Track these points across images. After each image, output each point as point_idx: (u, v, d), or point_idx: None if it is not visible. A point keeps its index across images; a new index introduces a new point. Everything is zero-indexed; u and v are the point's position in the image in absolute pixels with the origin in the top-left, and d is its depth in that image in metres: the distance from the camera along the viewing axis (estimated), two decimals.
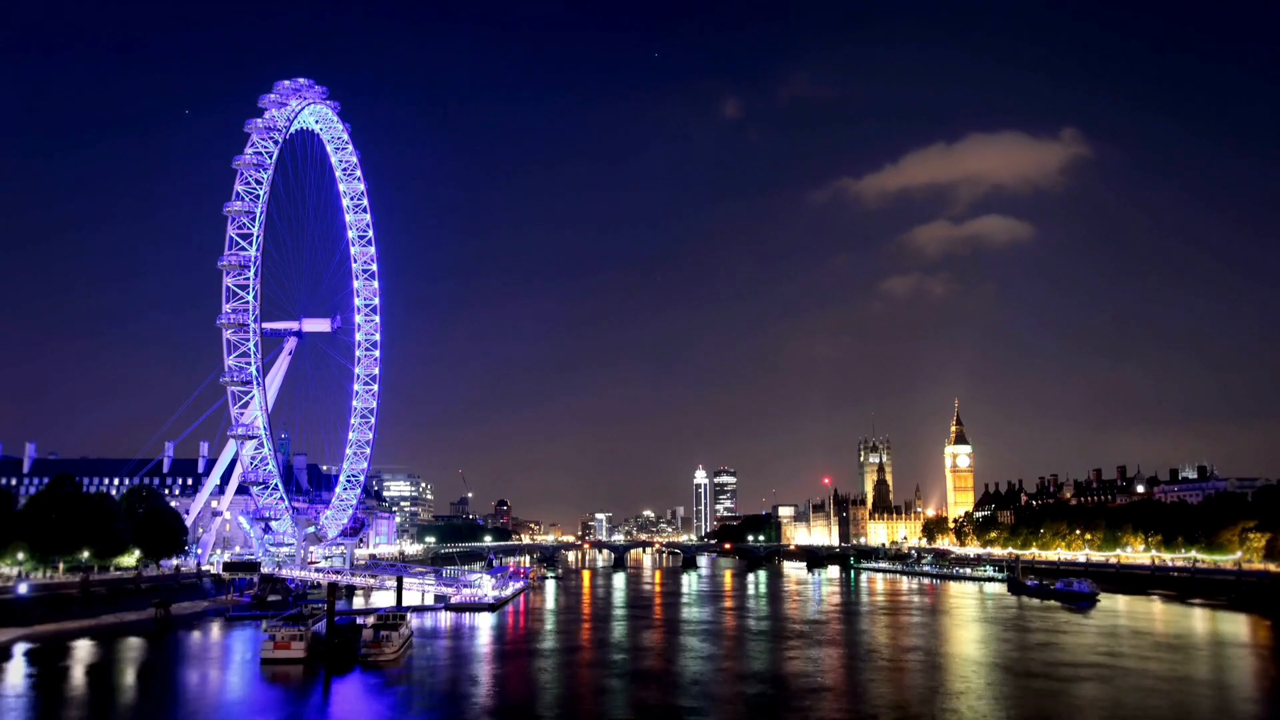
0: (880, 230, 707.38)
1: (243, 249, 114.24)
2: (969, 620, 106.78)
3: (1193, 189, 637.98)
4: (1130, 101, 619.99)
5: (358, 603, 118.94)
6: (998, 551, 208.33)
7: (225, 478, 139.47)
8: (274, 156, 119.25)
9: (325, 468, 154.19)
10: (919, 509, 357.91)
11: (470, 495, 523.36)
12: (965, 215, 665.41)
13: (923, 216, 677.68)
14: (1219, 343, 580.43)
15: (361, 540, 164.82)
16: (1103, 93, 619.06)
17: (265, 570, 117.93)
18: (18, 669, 67.33)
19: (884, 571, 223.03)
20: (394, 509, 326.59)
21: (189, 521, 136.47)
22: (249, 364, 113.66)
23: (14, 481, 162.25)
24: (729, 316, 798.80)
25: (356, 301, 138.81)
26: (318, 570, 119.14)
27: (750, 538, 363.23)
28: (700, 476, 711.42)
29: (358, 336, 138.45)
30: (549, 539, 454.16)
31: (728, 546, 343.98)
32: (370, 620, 75.60)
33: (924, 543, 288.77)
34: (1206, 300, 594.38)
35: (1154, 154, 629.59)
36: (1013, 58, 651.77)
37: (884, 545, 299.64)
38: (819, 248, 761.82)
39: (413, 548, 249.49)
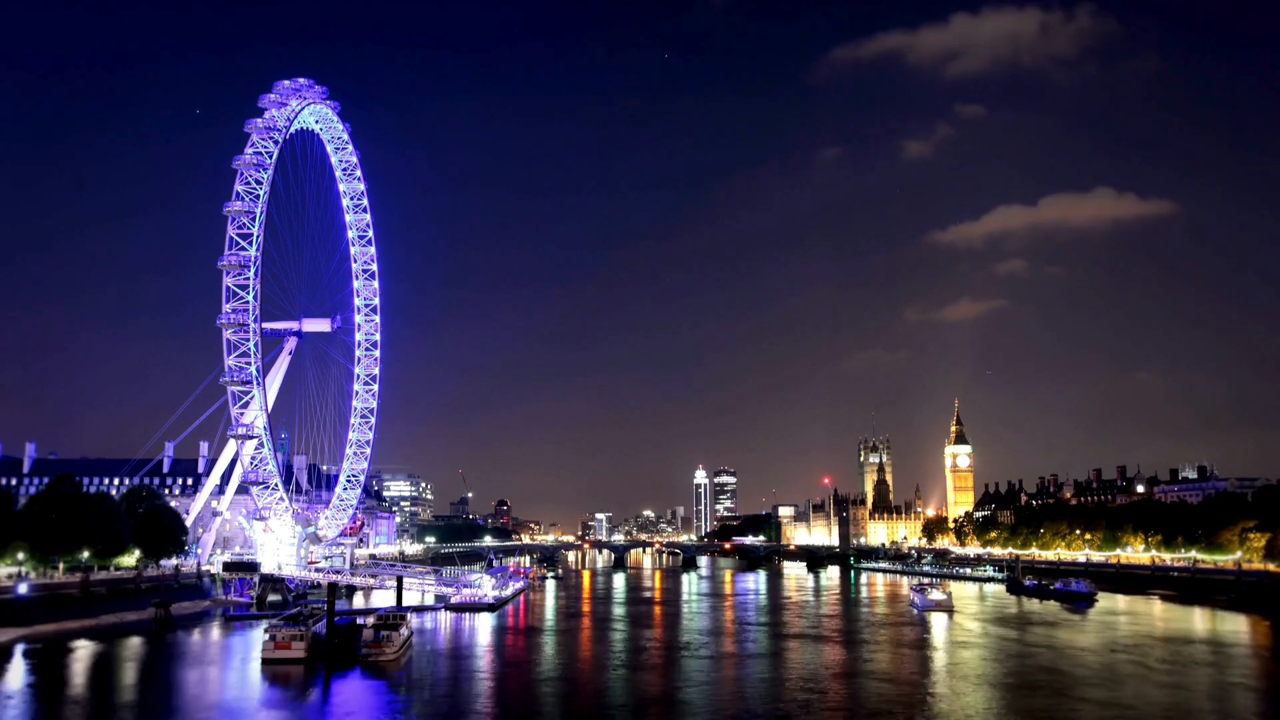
0: (946, 267, 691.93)
1: (243, 249, 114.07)
2: (968, 620, 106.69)
3: (1213, 196, 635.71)
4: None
5: (358, 603, 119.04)
6: (998, 551, 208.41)
7: (225, 478, 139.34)
8: (274, 156, 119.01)
9: (325, 468, 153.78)
10: (919, 509, 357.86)
11: (470, 495, 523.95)
12: (1040, 260, 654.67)
13: (995, 259, 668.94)
14: (1222, 344, 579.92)
15: (361, 540, 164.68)
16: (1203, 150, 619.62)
17: (265, 570, 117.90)
18: (18, 669, 67.34)
19: (884, 572, 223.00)
20: (394, 509, 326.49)
21: (189, 521, 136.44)
22: (249, 364, 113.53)
23: (14, 481, 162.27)
24: (733, 319, 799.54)
25: (356, 301, 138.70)
26: (318, 570, 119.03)
27: (750, 538, 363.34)
28: (700, 476, 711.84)
29: (358, 336, 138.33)
30: (549, 539, 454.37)
31: (727, 546, 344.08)
32: (370, 620, 75.56)
33: (924, 543, 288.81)
34: (1209, 301, 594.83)
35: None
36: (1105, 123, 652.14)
37: (884, 545, 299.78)
38: (856, 270, 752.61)
39: (413, 548, 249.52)
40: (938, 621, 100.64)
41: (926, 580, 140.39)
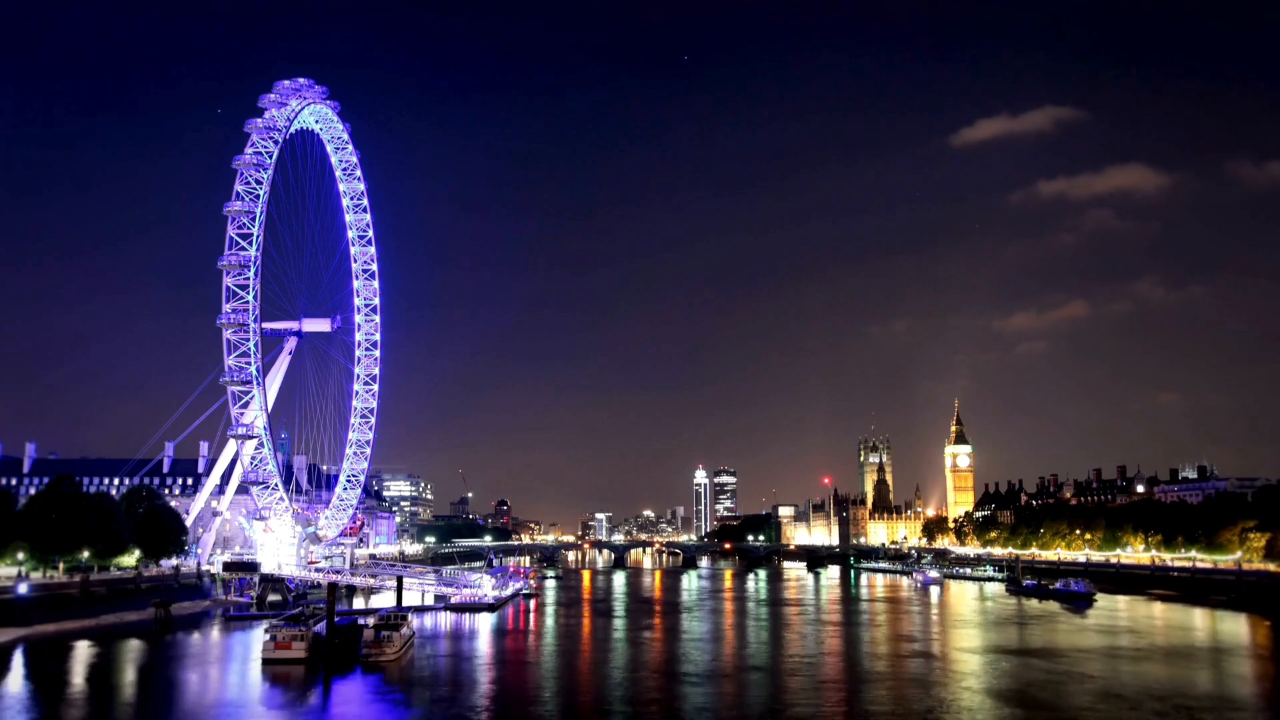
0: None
1: (243, 249, 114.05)
2: (967, 620, 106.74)
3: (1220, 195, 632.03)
4: None
5: (358, 603, 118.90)
6: (998, 551, 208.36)
7: (225, 478, 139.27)
8: (274, 156, 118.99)
9: (325, 468, 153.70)
10: (919, 509, 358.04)
11: (470, 495, 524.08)
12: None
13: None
14: (1228, 360, 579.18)
15: (361, 540, 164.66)
16: None
17: (265, 570, 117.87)
18: (18, 669, 67.32)
19: (884, 572, 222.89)
20: (394, 509, 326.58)
21: (189, 521, 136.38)
22: (249, 364, 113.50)
23: (14, 481, 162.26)
24: (734, 318, 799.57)
25: (356, 301, 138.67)
26: (318, 570, 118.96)
27: (750, 538, 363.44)
28: (700, 476, 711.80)
29: (358, 336, 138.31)
30: (549, 539, 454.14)
31: (727, 546, 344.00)
32: (371, 621, 75.50)
33: (924, 543, 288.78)
34: (1208, 299, 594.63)
35: None
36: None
37: (884, 545, 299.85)
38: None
39: (413, 548, 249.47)
40: (934, 592, 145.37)
41: (924, 564, 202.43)
